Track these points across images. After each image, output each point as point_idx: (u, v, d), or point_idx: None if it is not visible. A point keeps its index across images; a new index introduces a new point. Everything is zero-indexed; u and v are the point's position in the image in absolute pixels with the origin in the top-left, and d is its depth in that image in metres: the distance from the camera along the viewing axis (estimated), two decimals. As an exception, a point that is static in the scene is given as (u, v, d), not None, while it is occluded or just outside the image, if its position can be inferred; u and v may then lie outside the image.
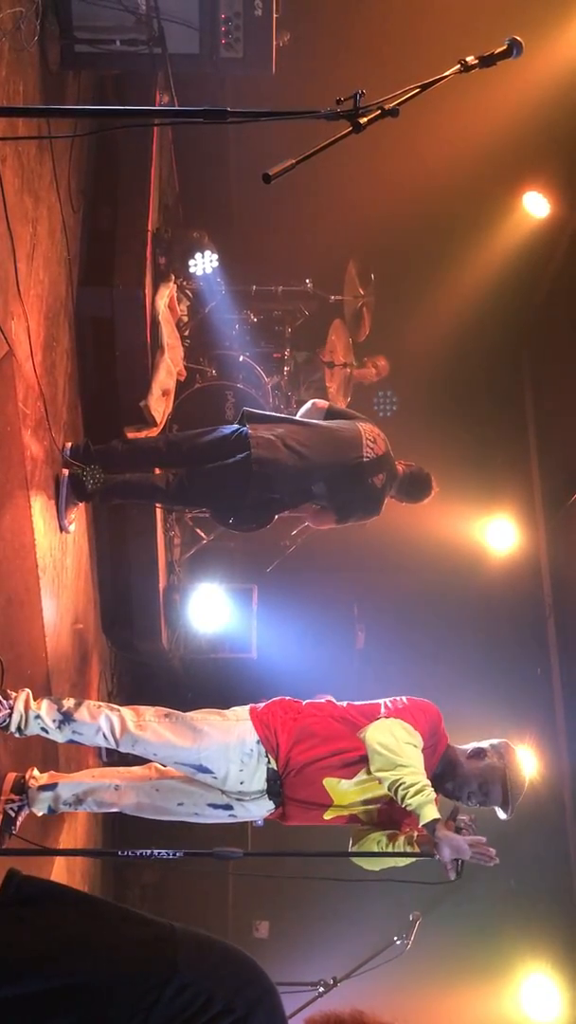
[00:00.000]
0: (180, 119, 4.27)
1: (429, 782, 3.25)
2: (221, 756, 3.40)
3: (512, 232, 7.48)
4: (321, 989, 4.23)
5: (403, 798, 3.19)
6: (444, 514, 6.62)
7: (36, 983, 1.14)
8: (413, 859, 3.38)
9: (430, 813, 3.14)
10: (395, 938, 4.23)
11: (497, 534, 7.49)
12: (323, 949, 5.47)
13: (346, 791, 3.43)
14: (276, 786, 3.43)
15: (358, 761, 3.40)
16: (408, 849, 3.40)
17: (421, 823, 3.18)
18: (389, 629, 7.24)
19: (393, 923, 4.38)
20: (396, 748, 3.27)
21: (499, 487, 7.85)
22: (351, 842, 3.56)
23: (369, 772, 3.37)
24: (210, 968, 1.20)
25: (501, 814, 3.52)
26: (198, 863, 2.98)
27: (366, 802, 3.47)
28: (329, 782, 3.41)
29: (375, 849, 3.44)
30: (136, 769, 3.68)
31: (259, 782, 3.43)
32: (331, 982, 4.24)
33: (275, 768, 3.41)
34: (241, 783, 3.43)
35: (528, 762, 4.21)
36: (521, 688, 7.33)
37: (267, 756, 3.42)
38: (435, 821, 3.14)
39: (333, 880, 3.47)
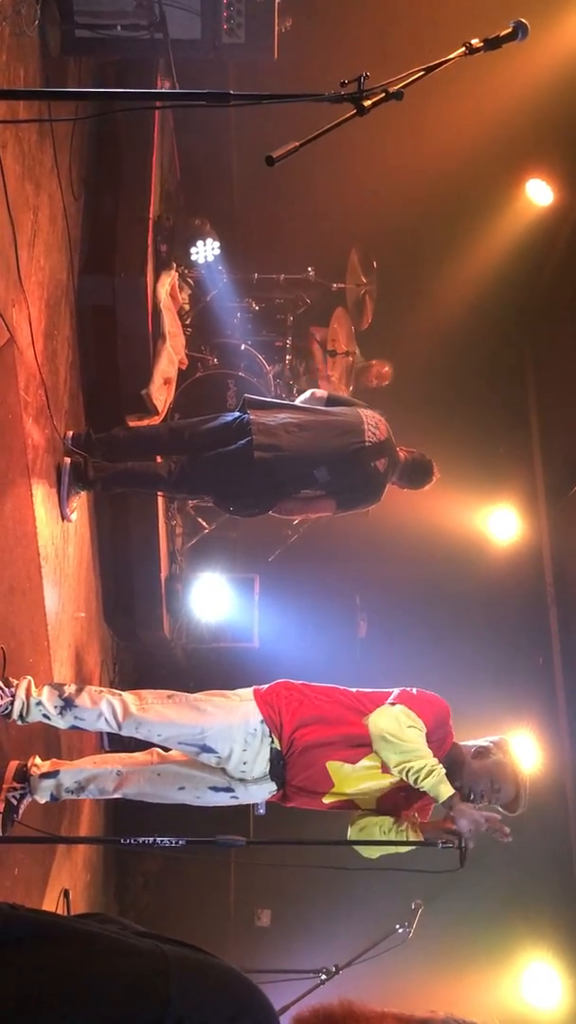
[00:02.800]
0: (183, 102, 4.24)
1: (437, 760, 3.28)
2: (225, 736, 3.40)
3: (515, 220, 7.45)
4: (323, 977, 4.23)
5: (415, 781, 3.23)
6: (446, 504, 6.61)
7: None
8: (414, 846, 3.38)
9: (446, 791, 3.20)
10: (397, 926, 4.24)
11: (499, 524, 7.48)
12: (325, 937, 5.48)
13: (348, 775, 3.43)
14: (279, 767, 3.43)
15: (363, 745, 3.40)
16: (412, 836, 3.40)
17: (440, 802, 3.22)
18: (391, 619, 7.23)
19: (395, 911, 4.39)
20: (400, 734, 3.29)
21: (501, 476, 7.84)
22: (350, 827, 3.56)
23: (374, 758, 3.37)
24: (203, 998, 1.18)
25: (506, 812, 3.51)
26: (200, 851, 2.98)
27: (367, 790, 3.47)
28: (332, 765, 3.41)
29: (377, 835, 3.45)
30: (138, 755, 3.68)
31: (262, 764, 3.44)
32: (333, 970, 4.25)
33: (278, 748, 3.42)
34: (244, 764, 3.43)
35: (527, 754, 4.22)
36: (523, 677, 7.33)
37: (271, 736, 3.42)
38: (452, 797, 3.19)
39: (335, 869, 3.46)
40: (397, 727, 3.31)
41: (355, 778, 3.43)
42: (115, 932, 1.26)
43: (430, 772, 3.21)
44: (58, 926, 1.24)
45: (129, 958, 1.19)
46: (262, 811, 4.81)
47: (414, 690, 3.53)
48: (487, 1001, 6.12)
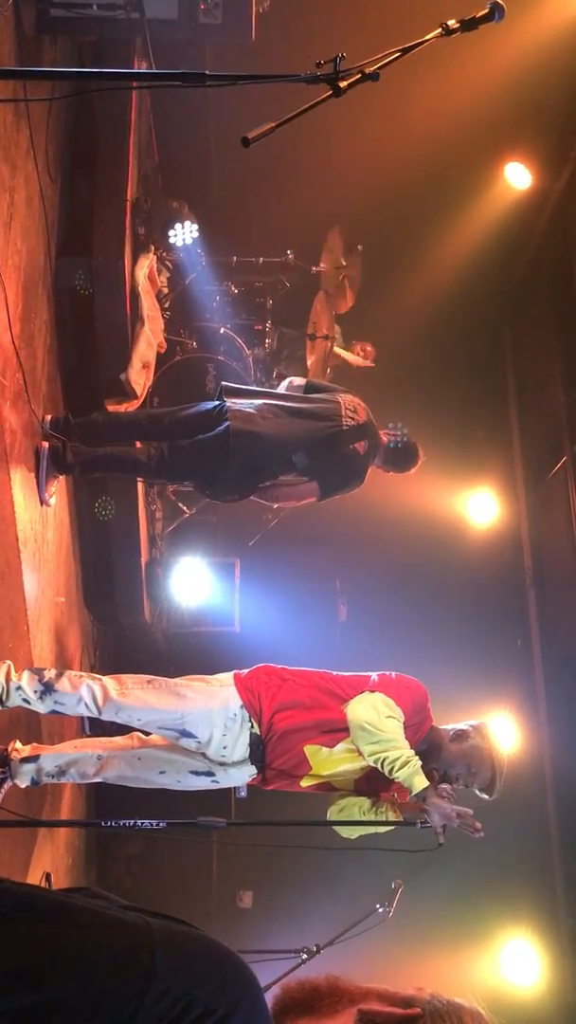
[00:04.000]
0: (159, 83, 4.20)
1: (413, 752, 3.29)
2: (204, 720, 3.41)
3: (493, 204, 7.45)
4: (304, 956, 4.27)
5: (390, 772, 3.23)
6: (426, 487, 6.63)
7: (11, 1003, 1.10)
8: (393, 826, 3.40)
9: (420, 783, 3.20)
10: (377, 906, 4.28)
11: (478, 507, 7.52)
12: (306, 918, 5.53)
13: (326, 759, 3.45)
14: (259, 751, 3.45)
15: (341, 730, 3.42)
16: (391, 816, 3.43)
17: (412, 793, 3.22)
18: (371, 602, 7.26)
19: (375, 891, 4.42)
20: (378, 723, 3.30)
21: (480, 460, 7.87)
22: (330, 807, 3.59)
23: (351, 742, 3.39)
24: (189, 969, 1.17)
25: (483, 795, 3.54)
26: (182, 834, 2.99)
27: (344, 772, 3.49)
28: (310, 749, 3.43)
29: (357, 815, 3.47)
30: (118, 739, 3.69)
31: (241, 748, 3.45)
32: (314, 949, 4.28)
33: (258, 733, 3.43)
34: (224, 748, 3.45)
35: (506, 736, 4.26)
36: (502, 659, 7.39)
37: (250, 721, 3.43)
38: (426, 790, 3.19)
39: (316, 849, 3.49)
40: (376, 716, 3.33)
41: (333, 761, 3.45)
42: (100, 906, 1.25)
43: (405, 763, 3.22)
44: (43, 899, 1.24)
45: (114, 931, 1.19)
46: (243, 794, 4.84)
47: (393, 674, 3.55)
48: (466, 979, 6.20)
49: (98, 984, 1.13)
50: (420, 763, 3.26)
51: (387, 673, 3.56)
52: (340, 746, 3.42)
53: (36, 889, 1.30)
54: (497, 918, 6.44)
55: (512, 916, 6.41)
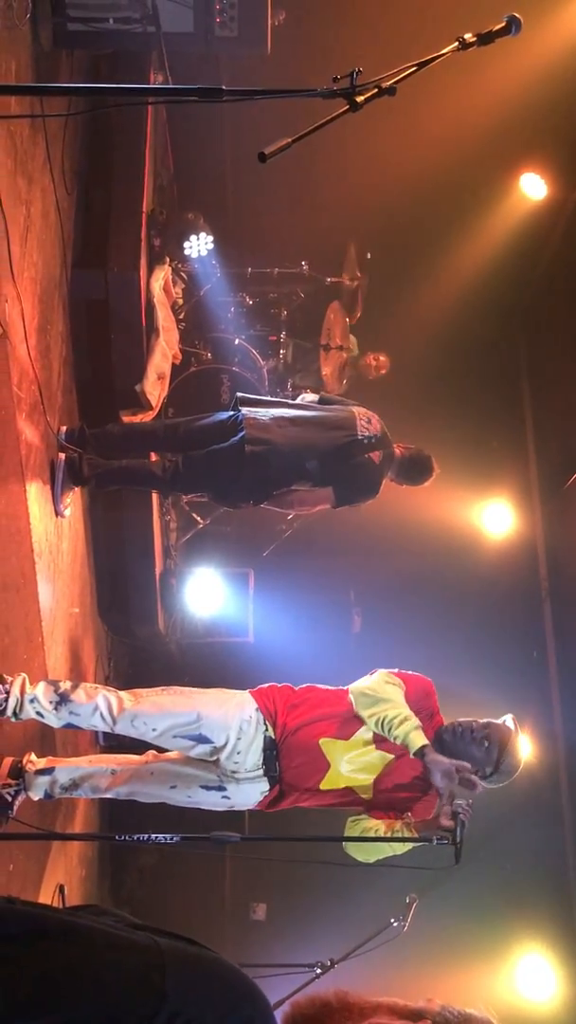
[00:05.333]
0: (175, 97, 4.22)
1: (412, 713, 3.33)
2: (220, 723, 3.45)
3: (509, 214, 7.43)
4: (318, 971, 4.24)
5: (389, 730, 3.30)
6: (440, 499, 6.60)
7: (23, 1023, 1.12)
8: (410, 845, 3.37)
9: (417, 740, 3.24)
10: (392, 920, 4.25)
11: (494, 518, 7.47)
12: (320, 931, 5.49)
13: (343, 751, 3.45)
14: (272, 757, 3.46)
15: (353, 721, 3.47)
16: (406, 834, 3.40)
17: (411, 751, 3.26)
18: (386, 613, 7.23)
19: (390, 905, 4.40)
20: (379, 688, 3.42)
21: (495, 471, 7.83)
22: (345, 831, 3.55)
23: (367, 731, 3.43)
24: (199, 992, 1.18)
25: (494, 778, 3.48)
26: (195, 848, 2.98)
27: (364, 766, 3.47)
28: (325, 742, 3.46)
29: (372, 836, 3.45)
30: (133, 756, 3.70)
31: (255, 755, 3.46)
32: (328, 964, 4.26)
33: (272, 737, 3.47)
34: (238, 753, 3.45)
35: (525, 746, 4.21)
36: (518, 671, 7.33)
37: (265, 724, 3.48)
38: (424, 747, 3.23)
39: (332, 864, 3.48)
40: (376, 683, 3.45)
41: (350, 754, 3.45)
42: (110, 925, 1.26)
43: (404, 720, 3.29)
44: (54, 920, 1.25)
45: (125, 953, 1.19)
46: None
47: (395, 670, 3.61)
48: (481, 994, 6.12)
49: (111, 1006, 1.14)
50: (419, 723, 3.31)
51: (390, 669, 3.62)
52: (356, 735, 3.45)
53: (47, 909, 1.31)
54: (513, 933, 6.38)
55: (528, 931, 6.35)
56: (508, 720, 3.58)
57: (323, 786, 3.51)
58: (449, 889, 5.55)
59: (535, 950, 6.10)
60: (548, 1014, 5.89)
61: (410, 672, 3.61)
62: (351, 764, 3.47)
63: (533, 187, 7.10)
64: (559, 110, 6.66)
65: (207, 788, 3.54)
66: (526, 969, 5.98)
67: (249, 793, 3.54)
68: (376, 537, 7.04)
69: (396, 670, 3.59)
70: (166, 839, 2.78)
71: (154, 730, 3.47)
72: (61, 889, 4.63)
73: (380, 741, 3.44)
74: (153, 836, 2.80)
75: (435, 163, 6.84)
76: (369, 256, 6.99)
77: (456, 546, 7.43)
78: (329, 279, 6.88)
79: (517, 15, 2.30)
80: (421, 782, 3.47)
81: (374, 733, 3.42)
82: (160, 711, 3.45)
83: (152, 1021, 1.12)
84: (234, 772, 3.50)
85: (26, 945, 1.17)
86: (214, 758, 3.51)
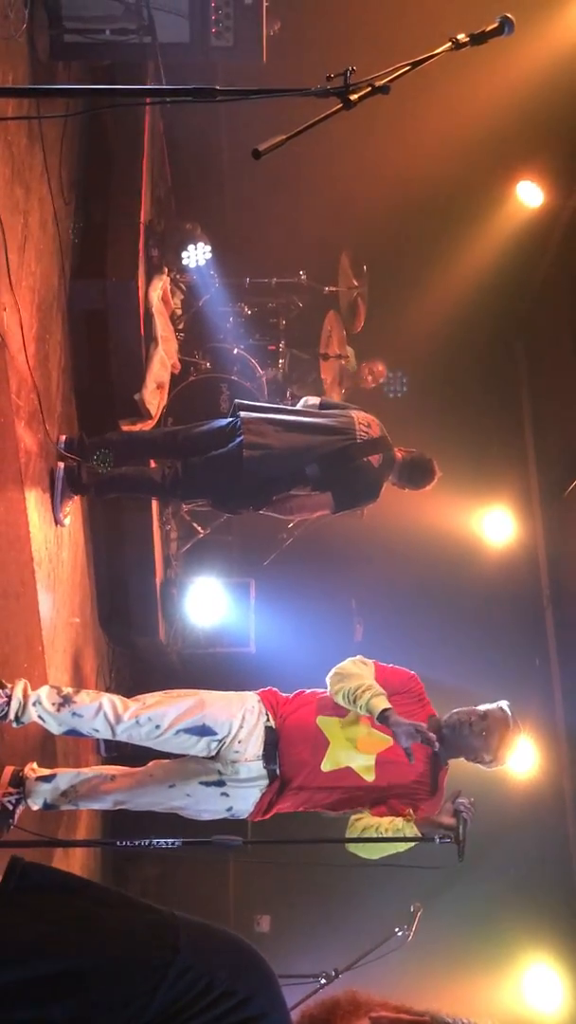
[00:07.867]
0: (170, 98, 4.24)
1: (377, 684, 3.43)
2: (223, 711, 3.52)
3: (506, 222, 7.46)
4: (323, 981, 4.22)
5: (354, 701, 3.40)
6: (441, 506, 6.60)
7: (38, 967, 1.16)
8: (412, 844, 3.36)
9: (379, 704, 3.33)
10: (396, 929, 4.23)
11: (494, 526, 7.46)
12: (324, 942, 5.46)
13: (341, 727, 3.53)
14: (272, 750, 3.49)
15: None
16: (408, 832, 3.38)
17: (375, 716, 3.33)
18: (387, 622, 7.21)
19: (394, 914, 4.37)
20: (347, 667, 3.54)
21: (496, 478, 7.83)
22: (348, 830, 3.55)
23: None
24: (212, 952, 1.22)
25: (489, 760, 3.57)
26: (197, 852, 2.96)
27: (362, 744, 3.51)
28: (323, 720, 3.55)
29: (374, 836, 3.43)
30: (134, 769, 3.70)
31: (256, 744, 3.48)
32: (332, 974, 4.23)
33: (273, 727, 3.53)
34: (239, 742, 3.48)
35: (525, 758, 4.22)
36: (520, 679, 7.30)
37: (266, 714, 3.56)
38: (386, 710, 3.30)
39: (334, 866, 3.47)
40: (344, 665, 3.56)
41: (347, 730, 3.52)
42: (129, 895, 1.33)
43: (366, 689, 3.38)
44: (75, 880, 1.31)
45: (141, 911, 1.26)
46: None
47: (371, 661, 3.69)
48: (488, 1005, 6.10)
49: (124, 955, 1.19)
50: (382, 692, 3.39)
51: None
52: (351, 713, 3.53)
53: (67, 872, 1.35)
54: (519, 942, 6.34)
55: (534, 940, 6.31)
56: (504, 706, 3.62)
57: (325, 766, 3.50)
58: (454, 897, 5.53)
59: (542, 960, 6.06)
60: (556, 1025, 5.84)
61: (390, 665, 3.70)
62: (350, 741, 3.53)
63: (530, 195, 7.12)
64: (555, 118, 6.69)
65: (207, 784, 3.52)
66: (533, 979, 5.94)
67: (248, 795, 3.52)
68: (377, 546, 7.04)
69: (372, 661, 3.67)
70: (168, 844, 2.76)
71: (158, 727, 3.44)
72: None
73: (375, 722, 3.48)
74: (155, 841, 2.79)
75: (431, 171, 6.87)
76: (365, 268, 7.01)
77: (457, 554, 7.42)
78: (327, 288, 6.89)
79: (509, 16, 2.31)
80: (424, 782, 3.48)
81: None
82: (163, 706, 3.49)
83: (165, 972, 1.16)
84: (234, 760, 3.48)
85: (46, 895, 1.24)
86: (216, 750, 3.50)
